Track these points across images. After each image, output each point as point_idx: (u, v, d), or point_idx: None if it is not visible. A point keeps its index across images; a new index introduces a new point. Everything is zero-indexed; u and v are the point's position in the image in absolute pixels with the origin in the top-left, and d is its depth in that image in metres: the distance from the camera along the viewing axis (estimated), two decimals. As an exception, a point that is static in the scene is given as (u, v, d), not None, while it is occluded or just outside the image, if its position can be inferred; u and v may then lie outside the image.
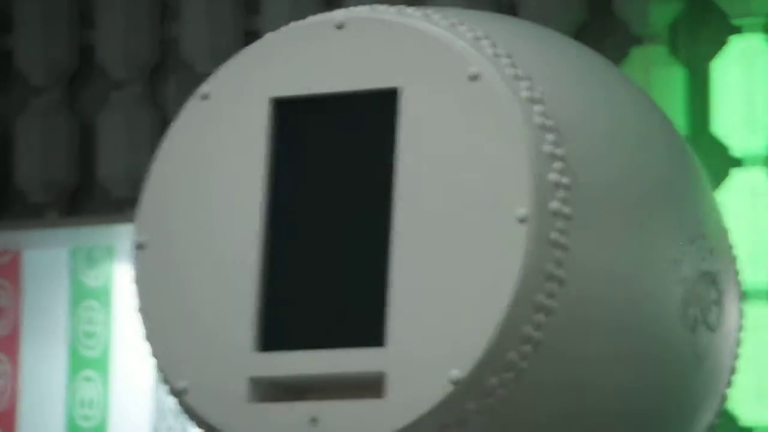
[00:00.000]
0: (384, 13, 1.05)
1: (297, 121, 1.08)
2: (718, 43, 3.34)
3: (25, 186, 3.92)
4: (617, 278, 1.04)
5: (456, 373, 0.95)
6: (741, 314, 1.21)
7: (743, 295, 1.25)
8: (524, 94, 1.01)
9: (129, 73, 3.83)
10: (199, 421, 1.05)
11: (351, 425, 1.01)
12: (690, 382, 1.12)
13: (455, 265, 0.98)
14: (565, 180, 1.00)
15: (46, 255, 4.07)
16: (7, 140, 4.02)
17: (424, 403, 0.97)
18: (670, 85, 3.33)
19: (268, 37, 1.09)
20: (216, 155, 1.10)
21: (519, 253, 0.95)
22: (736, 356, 1.19)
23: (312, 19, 1.07)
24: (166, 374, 1.06)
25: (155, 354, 1.07)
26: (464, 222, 0.99)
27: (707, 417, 1.16)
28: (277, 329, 1.05)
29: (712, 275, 1.14)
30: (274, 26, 3.63)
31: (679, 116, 3.35)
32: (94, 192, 3.98)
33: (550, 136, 1.00)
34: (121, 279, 3.92)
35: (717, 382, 1.16)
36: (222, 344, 1.06)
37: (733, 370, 1.19)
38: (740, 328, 1.21)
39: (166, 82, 3.89)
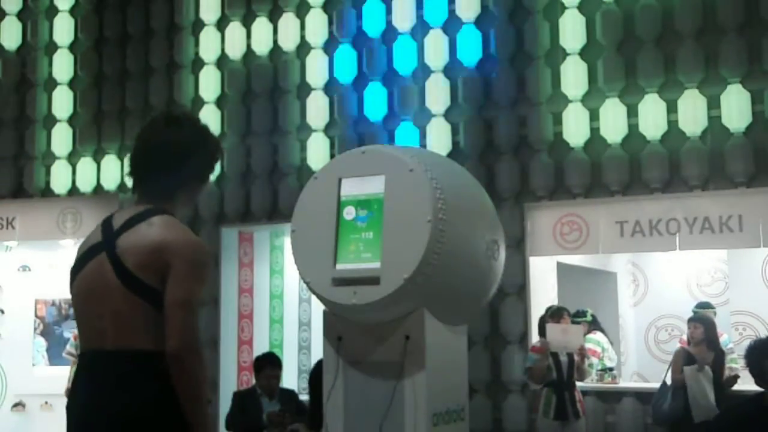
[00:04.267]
0: (379, 148, 2.97)
1: (347, 184, 2.96)
2: None
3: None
4: (464, 242, 2.98)
5: (406, 274, 2.85)
6: (504, 254, 3.20)
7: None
8: (428, 174, 2.92)
9: None
10: (316, 294, 2.93)
11: (369, 294, 2.89)
12: (488, 276, 3.09)
13: (412, 236, 2.87)
14: (442, 205, 2.90)
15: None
16: None
17: (395, 285, 2.86)
18: None
19: (338, 157, 3.00)
20: (318, 200, 2.98)
21: (428, 232, 2.86)
22: (503, 268, 3.17)
23: (354, 150, 2.99)
24: (304, 276, 2.93)
25: (300, 271, 2.95)
26: (413, 219, 2.88)
27: (493, 289, 3.14)
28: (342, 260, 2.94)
29: (495, 239, 3.11)
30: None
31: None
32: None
33: (438, 190, 2.91)
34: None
35: (496, 276, 3.14)
36: (323, 264, 2.94)
37: (500, 273, 3.18)
38: (503, 259, 3.19)
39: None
